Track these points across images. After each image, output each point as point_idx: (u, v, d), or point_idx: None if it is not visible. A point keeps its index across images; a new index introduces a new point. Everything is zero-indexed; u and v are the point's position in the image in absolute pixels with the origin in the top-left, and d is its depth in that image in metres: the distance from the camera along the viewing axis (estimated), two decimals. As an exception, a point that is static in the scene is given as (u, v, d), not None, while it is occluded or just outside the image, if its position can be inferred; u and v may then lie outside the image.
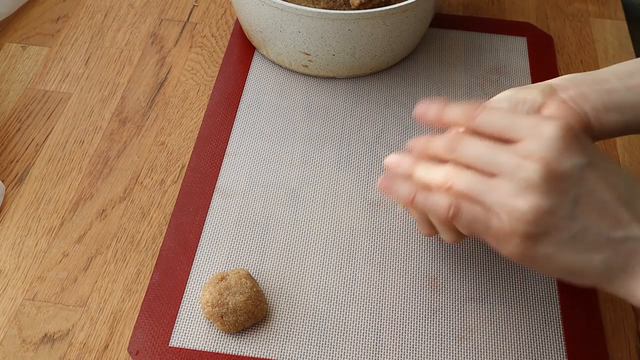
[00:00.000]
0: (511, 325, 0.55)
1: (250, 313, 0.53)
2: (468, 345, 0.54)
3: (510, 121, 0.43)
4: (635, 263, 0.42)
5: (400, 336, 0.54)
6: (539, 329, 0.55)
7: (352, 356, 0.53)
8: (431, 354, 0.53)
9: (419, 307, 0.56)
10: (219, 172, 0.64)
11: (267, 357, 0.52)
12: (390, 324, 0.55)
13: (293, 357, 0.53)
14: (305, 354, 0.53)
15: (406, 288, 0.57)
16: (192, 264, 0.58)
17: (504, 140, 0.43)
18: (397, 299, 0.56)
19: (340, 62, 0.70)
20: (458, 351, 0.53)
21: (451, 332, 0.54)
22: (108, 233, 0.60)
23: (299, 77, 0.73)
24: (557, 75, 0.75)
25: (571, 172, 0.41)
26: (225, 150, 0.66)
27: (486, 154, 0.43)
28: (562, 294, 0.57)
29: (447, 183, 0.44)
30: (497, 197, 0.42)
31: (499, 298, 0.56)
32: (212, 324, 0.54)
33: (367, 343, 0.54)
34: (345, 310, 0.55)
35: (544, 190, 0.41)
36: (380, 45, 0.70)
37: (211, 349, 0.53)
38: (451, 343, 0.54)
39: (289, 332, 0.54)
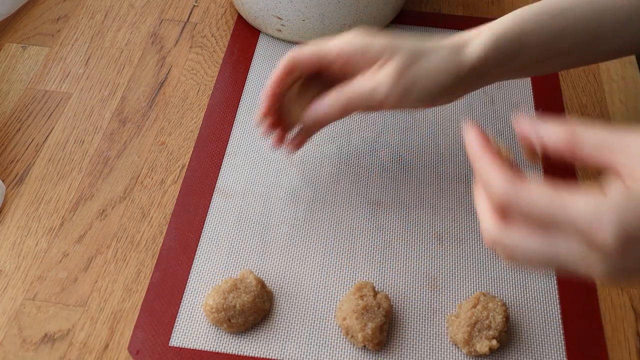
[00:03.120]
0: (511, 324, 0.55)
1: (259, 310, 0.53)
2: (468, 345, 0.54)
3: None
4: None
5: (400, 336, 0.54)
6: (539, 328, 0.55)
7: (353, 356, 0.53)
8: (431, 354, 0.53)
9: (419, 307, 0.56)
10: (219, 172, 0.64)
11: (268, 357, 0.52)
12: (390, 324, 0.55)
13: (293, 357, 0.53)
14: (306, 353, 0.53)
15: (406, 288, 0.57)
16: (192, 264, 0.58)
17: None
18: (397, 299, 0.56)
19: (311, 28, 0.73)
20: (458, 352, 0.53)
21: (451, 332, 0.54)
22: (108, 233, 0.60)
23: (299, 77, 0.73)
24: (556, 75, 0.75)
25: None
26: (225, 150, 0.66)
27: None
28: (562, 294, 0.57)
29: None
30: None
31: (499, 298, 0.56)
32: (211, 323, 0.54)
33: (367, 343, 0.54)
34: (345, 310, 0.55)
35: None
36: (348, 13, 0.72)
37: (211, 348, 0.53)
38: (452, 343, 0.54)
39: (289, 332, 0.54)
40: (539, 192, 0.38)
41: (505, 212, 0.39)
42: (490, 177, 0.39)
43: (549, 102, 0.72)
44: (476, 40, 0.54)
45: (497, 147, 0.42)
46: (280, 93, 0.56)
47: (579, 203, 0.37)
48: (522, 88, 0.73)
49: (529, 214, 0.38)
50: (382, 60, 0.53)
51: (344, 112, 0.54)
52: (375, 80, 0.53)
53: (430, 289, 0.57)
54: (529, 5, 0.56)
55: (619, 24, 0.56)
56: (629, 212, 0.36)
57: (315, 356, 0.53)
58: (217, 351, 0.53)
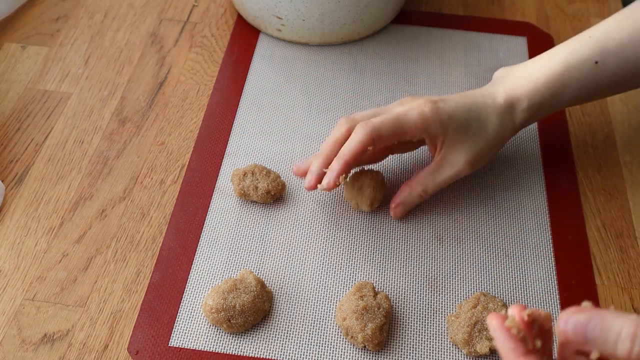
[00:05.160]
0: (511, 325, 0.55)
1: (259, 311, 0.53)
2: (468, 345, 0.54)
3: None
4: None
5: (400, 336, 0.54)
6: (539, 329, 0.55)
7: (353, 356, 0.53)
8: (431, 354, 0.53)
9: (419, 307, 0.56)
10: (219, 172, 0.64)
11: (268, 357, 0.52)
12: (390, 324, 0.54)
13: (293, 357, 0.53)
14: (306, 353, 0.53)
15: (406, 288, 0.57)
16: (192, 264, 0.57)
17: None
18: (397, 299, 0.56)
19: (311, 28, 0.73)
20: (458, 352, 0.53)
21: (451, 332, 0.54)
22: (108, 233, 0.60)
23: (299, 77, 0.73)
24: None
25: None
26: (225, 150, 0.66)
27: None
28: (562, 294, 0.57)
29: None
30: None
31: (499, 298, 0.56)
32: (211, 323, 0.54)
33: (367, 343, 0.54)
34: (345, 310, 0.55)
35: None
36: (348, 13, 0.72)
37: (211, 348, 0.53)
38: (451, 343, 0.54)
39: (289, 332, 0.54)
40: None
41: None
42: None
43: (549, 102, 0.72)
44: (521, 105, 0.59)
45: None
46: (354, 164, 0.56)
47: None
48: (522, 88, 0.73)
49: None
50: (447, 143, 0.58)
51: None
52: (452, 171, 0.59)
53: (430, 289, 0.57)
54: (579, 41, 0.59)
55: None
56: None
57: (315, 356, 0.53)
58: (217, 351, 0.53)
